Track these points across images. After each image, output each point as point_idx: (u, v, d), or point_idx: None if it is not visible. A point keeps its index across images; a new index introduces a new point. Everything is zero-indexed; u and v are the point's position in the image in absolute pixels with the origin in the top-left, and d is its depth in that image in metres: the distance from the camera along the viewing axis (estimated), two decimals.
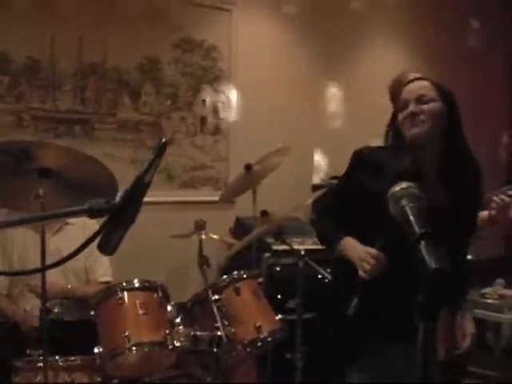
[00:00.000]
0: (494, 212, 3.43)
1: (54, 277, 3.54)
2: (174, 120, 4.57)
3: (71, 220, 3.67)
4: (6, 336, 3.44)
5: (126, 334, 2.90)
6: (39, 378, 2.92)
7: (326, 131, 5.08)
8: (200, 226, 3.27)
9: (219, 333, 3.01)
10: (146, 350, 2.96)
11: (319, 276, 3.82)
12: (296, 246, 3.86)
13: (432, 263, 1.24)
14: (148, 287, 3.11)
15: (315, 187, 4.74)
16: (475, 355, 4.65)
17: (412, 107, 2.29)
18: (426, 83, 2.38)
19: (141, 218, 3.91)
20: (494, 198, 3.39)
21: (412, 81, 2.41)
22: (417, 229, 1.33)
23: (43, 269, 2.79)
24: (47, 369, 2.78)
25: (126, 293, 3.05)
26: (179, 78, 4.57)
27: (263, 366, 3.71)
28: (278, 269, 4.22)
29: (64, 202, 2.71)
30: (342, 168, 2.53)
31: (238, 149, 4.72)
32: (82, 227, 3.66)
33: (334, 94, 5.21)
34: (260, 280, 3.42)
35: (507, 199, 3.34)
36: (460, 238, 2.34)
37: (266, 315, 3.29)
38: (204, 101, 4.68)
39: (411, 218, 1.37)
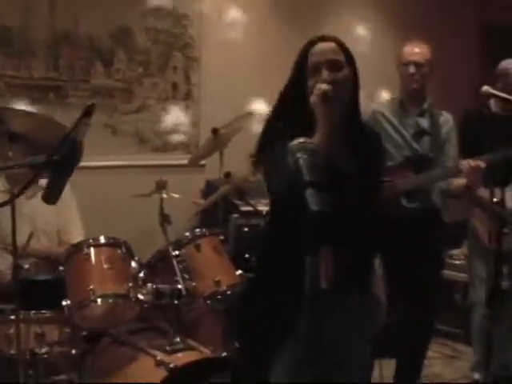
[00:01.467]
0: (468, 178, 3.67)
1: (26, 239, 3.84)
2: (145, 86, 4.81)
3: (43, 184, 3.92)
4: None
5: (91, 287, 3.16)
6: (12, 330, 3.20)
7: None
8: (161, 186, 3.53)
9: (179, 286, 3.30)
10: (111, 301, 3.23)
11: None
12: (261, 208, 4.14)
13: (314, 206, 1.50)
14: (113, 243, 3.38)
15: None
16: (443, 314, 4.96)
17: (324, 75, 2.25)
18: (334, 46, 2.34)
19: (114, 181, 4.27)
20: (463, 162, 3.63)
21: (319, 41, 2.36)
22: (305, 177, 1.59)
23: None
24: (19, 321, 3.06)
25: (92, 249, 3.32)
26: (151, 45, 4.80)
27: (228, 320, 3.97)
28: (245, 229, 4.51)
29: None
30: None
31: (208, 114, 4.95)
32: None
33: None
34: (221, 237, 3.70)
35: (473, 163, 3.57)
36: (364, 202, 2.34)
37: (226, 270, 3.56)
38: (175, 67, 4.92)
39: (303, 168, 1.61)
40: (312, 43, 2.38)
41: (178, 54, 4.91)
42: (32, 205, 3.87)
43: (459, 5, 6.32)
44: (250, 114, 4.14)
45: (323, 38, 2.39)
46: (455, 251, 5.44)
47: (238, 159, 4.33)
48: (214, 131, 4.13)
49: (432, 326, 4.16)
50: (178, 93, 4.95)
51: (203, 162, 4.62)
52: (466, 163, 3.52)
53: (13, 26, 4.27)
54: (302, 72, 2.36)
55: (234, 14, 5.21)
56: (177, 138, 4.94)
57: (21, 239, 3.75)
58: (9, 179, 3.74)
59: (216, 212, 4.25)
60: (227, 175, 3.91)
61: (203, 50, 5.02)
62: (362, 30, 5.88)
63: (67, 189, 4.02)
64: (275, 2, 5.38)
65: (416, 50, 3.82)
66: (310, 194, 1.52)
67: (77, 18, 4.47)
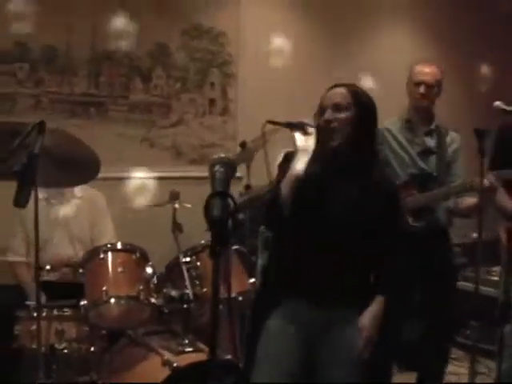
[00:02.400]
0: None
1: (61, 245, 4.22)
2: (183, 101, 5.15)
3: (78, 194, 4.31)
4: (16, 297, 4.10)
5: (105, 288, 3.50)
6: (34, 327, 3.55)
7: None
8: (174, 196, 3.85)
9: (187, 291, 3.60)
10: (122, 302, 3.55)
11: None
12: None
13: (215, 212, 1.75)
14: (128, 249, 3.71)
15: None
16: (485, 332, 5.03)
17: (327, 115, 2.66)
18: (342, 91, 2.71)
19: (151, 191, 4.55)
20: (475, 179, 3.69)
21: (331, 88, 2.76)
22: (217, 187, 1.84)
23: None
24: (41, 318, 3.39)
25: (108, 253, 3.66)
26: (188, 62, 5.14)
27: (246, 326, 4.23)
28: None
29: (53, 175, 3.33)
30: None
31: (245, 128, 5.19)
32: (89, 202, 4.33)
33: (341, 76, 5.63)
34: (235, 247, 3.99)
35: (487, 183, 3.65)
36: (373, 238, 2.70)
37: (237, 278, 3.80)
38: (213, 83, 5.25)
39: (217, 179, 1.86)
40: (327, 90, 2.78)
41: (215, 71, 5.24)
42: (67, 212, 4.28)
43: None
44: (274, 130, 4.38)
45: (336, 85, 2.77)
46: (496, 268, 5.48)
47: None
48: (242, 145, 4.41)
49: (449, 339, 4.28)
50: (215, 108, 5.27)
51: (239, 174, 4.89)
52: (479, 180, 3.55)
53: (57, 46, 4.69)
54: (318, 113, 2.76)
55: (271, 32, 5.49)
56: (214, 151, 5.23)
57: (55, 245, 4.19)
58: (44, 187, 4.14)
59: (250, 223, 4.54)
60: (247, 187, 4.18)
61: (240, 67, 5.32)
62: (406, 49, 6.03)
63: (102, 198, 4.43)
64: (314, 20, 5.63)
65: (427, 71, 3.98)
66: (214, 201, 1.78)
67: (117, 38, 4.86)
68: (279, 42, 5.53)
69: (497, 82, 6.23)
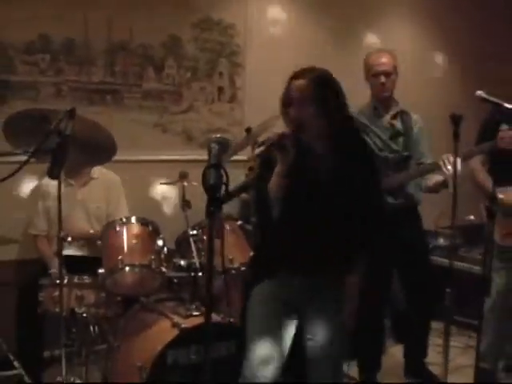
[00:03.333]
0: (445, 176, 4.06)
1: (79, 222, 4.70)
2: (194, 90, 5.62)
3: (95, 175, 4.79)
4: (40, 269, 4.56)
5: (120, 257, 3.99)
6: (57, 293, 4.02)
7: None
8: (183, 176, 4.34)
9: (194, 260, 4.09)
10: (136, 270, 4.04)
11: None
12: None
13: (211, 180, 2.23)
14: (141, 223, 4.19)
15: None
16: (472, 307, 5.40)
17: (292, 112, 2.93)
18: (302, 82, 2.91)
19: (162, 173, 5.21)
20: (442, 157, 4.11)
21: (291, 79, 2.97)
22: (212, 161, 2.31)
23: None
24: (63, 285, 3.84)
25: (124, 226, 4.15)
26: (199, 53, 5.60)
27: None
28: None
29: (75, 158, 3.77)
30: None
31: (251, 114, 5.65)
32: (103, 182, 4.81)
33: (346, 67, 6.00)
34: (239, 223, 4.47)
35: (451, 159, 4.04)
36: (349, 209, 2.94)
37: (241, 250, 4.27)
38: (221, 73, 5.72)
39: (212, 154, 2.33)
40: (291, 78, 2.99)
41: (223, 61, 5.71)
42: (85, 192, 4.77)
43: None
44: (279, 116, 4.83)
45: (295, 76, 2.97)
46: None
47: None
48: (248, 130, 4.87)
49: (429, 308, 4.60)
50: (223, 95, 5.74)
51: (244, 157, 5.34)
52: (445, 157, 3.96)
53: (75, 38, 5.14)
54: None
55: (277, 23, 5.98)
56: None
57: (74, 222, 4.66)
58: (65, 169, 4.62)
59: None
60: (250, 169, 4.65)
61: (247, 57, 5.78)
62: (404, 28, 6.53)
63: (117, 179, 4.91)
64: (319, 11, 6.09)
65: (383, 60, 4.29)
66: (210, 171, 2.27)
67: (132, 30, 5.32)
68: (285, 33, 5.99)
69: (496, 72, 6.61)
